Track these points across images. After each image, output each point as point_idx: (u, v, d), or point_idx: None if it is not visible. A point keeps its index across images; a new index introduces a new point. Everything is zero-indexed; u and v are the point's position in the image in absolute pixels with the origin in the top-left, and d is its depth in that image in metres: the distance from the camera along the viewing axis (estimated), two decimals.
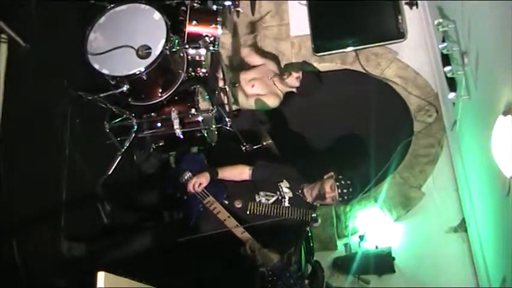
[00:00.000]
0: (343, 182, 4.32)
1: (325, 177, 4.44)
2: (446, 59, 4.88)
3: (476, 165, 4.91)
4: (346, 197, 4.34)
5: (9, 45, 3.69)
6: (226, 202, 4.45)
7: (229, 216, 4.29)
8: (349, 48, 6.11)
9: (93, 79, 4.47)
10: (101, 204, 4.76)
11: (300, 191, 4.51)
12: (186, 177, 4.50)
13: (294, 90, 5.74)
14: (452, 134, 5.57)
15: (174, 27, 4.82)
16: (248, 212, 4.39)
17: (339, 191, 4.30)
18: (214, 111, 4.85)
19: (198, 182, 4.41)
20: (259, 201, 4.43)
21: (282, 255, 4.17)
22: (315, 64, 6.23)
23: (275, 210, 4.39)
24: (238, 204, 4.43)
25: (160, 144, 5.00)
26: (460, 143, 5.34)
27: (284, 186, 4.53)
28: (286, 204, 4.45)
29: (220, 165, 4.64)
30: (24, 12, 3.94)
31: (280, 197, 4.47)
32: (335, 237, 6.00)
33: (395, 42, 6.08)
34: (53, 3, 4.39)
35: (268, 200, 4.44)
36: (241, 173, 4.61)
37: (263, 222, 4.31)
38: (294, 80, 5.65)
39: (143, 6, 4.62)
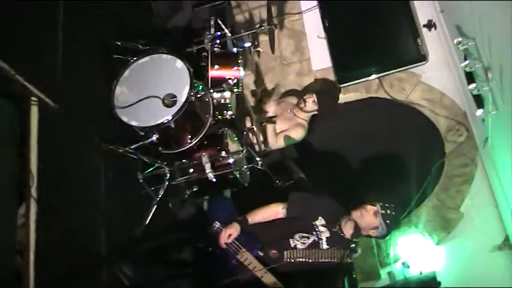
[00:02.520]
0: (388, 210, 4.20)
1: (367, 206, 4.30)
2: (470, 77, 4.85)
3: None
4: (390, 226, 4.24)
5: (39, 106, 3.77)
6: (261, 254, 4.38)
7: (266, 272, 4.22)
8: (373, 76, 6.13)
9: (122, 131, 4.54)
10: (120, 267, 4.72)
11: (337, 227, 4.39)
12: (214, 228, 4.49)
13: (315, 113, 5.72)
14: (485, 151, 5.51)
15: (197, 73, 4.89)
16: (285, 261, 4.31)
17: (382, 220, 4.21)
18: (244, 151, 4.87)
19: (228, 234, 4.38)
20: (295, 246, 4.34)
21: None
22: (341, 96, 6.23)
23: (313, 255, 4.30)
24: (273, 255, 4.34)
25: (194, 189, 5.01)
26: (494, 159, 5.28)
27: (320, 224, 4.42)
28: (325, 246, 4.34)
29: (252, 206, 4.62)
30: (50, 72, 4.03)
31: (316, 238, 4.36)
32: (377, 266, 5.92)
33: (417, 66, 6.09)
34: (78, 60, 4.49)
35: (304, 243, 4.34)
36: (275, 213, 4.57)
37: (302, 269, 4.27)
38: (311, 104, 5.63)
39: (165, 56, 4.72)
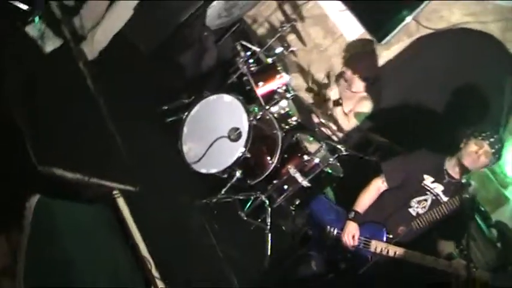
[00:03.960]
0: (495, 145, 4.03)
1: (464, 140, 4.17)
2: None
3: None
4: (497, 147, 4.06)
5: (123, 197, 3.89)
6: (391, 236, 4.31)
7: (406, 251, 4.15)
8: (408, 19, 6.01)
9: (207, 181, 4.64)
10: None
11: (446, 176, 4.27)
12: (331, 234, 4.47)
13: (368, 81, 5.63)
14: None
15: (248, 98, 5.05)
16: (416, 229, 4.25)
17: (488, 143, 4.02)
18: (324, 146, 4.87)
19: (351, 235, 4.34)
20: (417, 213, 4.26)
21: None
22: (385, 53, 6.13)
23: (438, 212, 4.23)
24: (402, 231, 4.26)
25: (297, 203, 5.04)
26: None
27: (429, 182, 4.30)
28: (444, 199, 4.25)
29: (356, 192, 4.58)
30: (115, 160, 4.16)
31: (434, 197, 4.27)
32: (500, 190, 5.72)
33: None
34: (135, 136, 4.61)
35: (424, 207, 4.26)
36: (377, 189, 4.46)
37: (432, 227, 4.22)
38: (355, 79, 5.58)
39: (211, 97, 4.85)
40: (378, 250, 4.24)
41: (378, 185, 4.47)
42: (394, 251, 4.18)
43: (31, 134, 3.55)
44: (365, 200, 4.47)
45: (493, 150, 4.03)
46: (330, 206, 4.73)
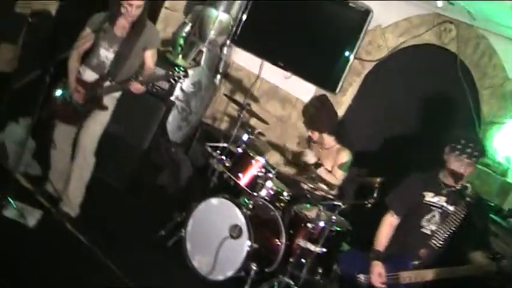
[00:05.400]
0: (475, 152, 4.04)
1: (445, 157, 4.19)
2: None
3: None
4: (476, 154, 4.06)
5: None
6: (416, 262, 4.24)
7: (434, 271, 4.05)
8: (350, 59, 6.24)
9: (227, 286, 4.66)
10: None
11: (444, 187, 4.28)
12: (361, 280, 4.43)
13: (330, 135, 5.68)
14: None
15: (235, 192, 5.15)
16: (437, 247, 4.21)
17: (466, 156, 4.03)
18: (322, 208, 4.89)
19: (377, 275, 4.29)
20: (431, 230, 4.25)
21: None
22: (344, 99, 6.23)
23: (451, 223, 4.18)
24: (423, 254, 4.21)
25: (320, 270, 5.00)
26: None
27: (430, 198, 4.31)
28: (451, 208, 4.23)
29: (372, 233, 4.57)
30: None
31: (440, 210, 4.27)
32: (501, 179, 5.69)
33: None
34: (146, 275, 4.63)
35: (435, 222, 4.25)
36: (389, 225, 4.47)
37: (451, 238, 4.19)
38: (323, 137, 5.62)
39: (200, 206, 4.94)
40: (408, 280, 4.21)
41: (390, 220, 4.49)
42: (423, 275, 4.15)
43: None
44: (382, 238, 4.47)
45: (474, 159, 4.09)
46: (353, 256, 4.72)
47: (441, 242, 4.19)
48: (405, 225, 4.45)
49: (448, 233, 4.18)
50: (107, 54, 4.69)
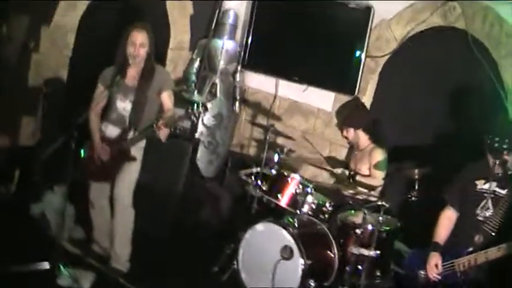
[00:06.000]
0: (496, 143, 4.12)
1: (484, 148, 4.25)
2: None
3: None
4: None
5: None
6: (471, 248, 4.21)
7: (485, 252, 4.06)
8: (362, 58, 6.23)
9: None
10: None
11: (494, 172, 4.23)
12: (421, 276, 4.40)
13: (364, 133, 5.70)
14: None
15: (278, 213, 5.23)
16: (491, 232, 4.17)
17: (504, 153, 4.09)
18: (367, 211, 4.84)
19: (433, 266, 4.30)
20: (484, 216, 4.26)
21: None
22: (365, 98, 6.22)
23: (503, 206, 4.17)
24: (479, 239, 4.18)
25: (378, 273, 4.93)
26: None
27: (482, 185, 4.34)
28: (503, 192, 4.25)
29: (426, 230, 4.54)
30: None
31: (492, 195, 4.28)
32: None
33: None
34: None
35: (488, 208, 4.27)
36: (449, 219, 4.50)
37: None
38: (359, 134, 5.67)
39: (247, 235, 4.96)
40: (462, 267, 4.17)
41: (449, 214, 4.51)
42: (475, 258, 4.11)
43: None
44: (441, 231, 4.47)
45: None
46: (416, 255, 4.67)
47: (495, 227, 4.17)
48: (461, 216, 4.48)
49: (502, 217, 4.15)
50: (124, 106, 4.74)
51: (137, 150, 4.81)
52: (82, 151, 4.82)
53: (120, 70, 4.66)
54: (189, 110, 4.63)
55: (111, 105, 4.79)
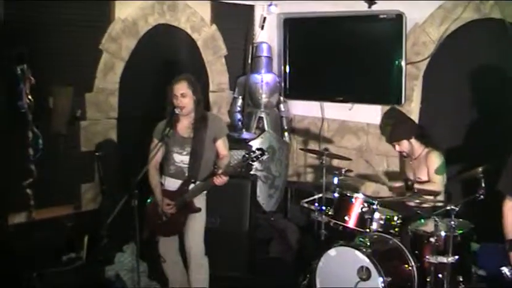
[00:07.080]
0: None
1: None
2: None
3: None
4: None
5: None
6: None
7: None
8: (403, 66, 6.20)
9: None
10: None
11: None
12: (508, 275, 4.29)
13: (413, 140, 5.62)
14: None
15: (348, 237, 5.15)
16: None
17: None
18: (438, 219, 4.75)
19: None
20: None
21: None
22: (412, 106, 6.16)
23: None
24: None
25: (461, 279, 4.81)
26: None
27: None
28: None
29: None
30: None
31: None
32: None
33: None
34: None
35: None
36: (510, 211, 4.39)
37: None
38: (411, 144, 5.59)
39: (320, 264, 4.90)
40: None
41: (510, 206, 4.34)
42: None
43: None
44: (510, 226, 4.32)
45: None
46: (489, 251, 4.67)
47: None
48: None
49: None
50: (181, 158, 4.79)
51: (200, 199, 4.85)
52: (148, 200, 4.93)
53: (170, 122, 4.73)
54: (246, 155, 4.65)
55: (169, 158, 4.86)
